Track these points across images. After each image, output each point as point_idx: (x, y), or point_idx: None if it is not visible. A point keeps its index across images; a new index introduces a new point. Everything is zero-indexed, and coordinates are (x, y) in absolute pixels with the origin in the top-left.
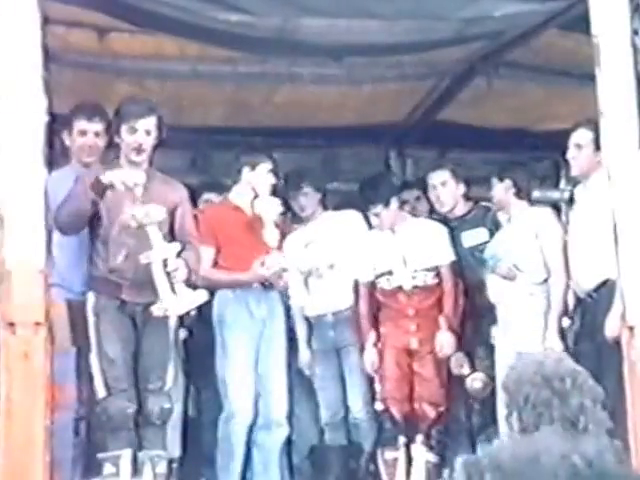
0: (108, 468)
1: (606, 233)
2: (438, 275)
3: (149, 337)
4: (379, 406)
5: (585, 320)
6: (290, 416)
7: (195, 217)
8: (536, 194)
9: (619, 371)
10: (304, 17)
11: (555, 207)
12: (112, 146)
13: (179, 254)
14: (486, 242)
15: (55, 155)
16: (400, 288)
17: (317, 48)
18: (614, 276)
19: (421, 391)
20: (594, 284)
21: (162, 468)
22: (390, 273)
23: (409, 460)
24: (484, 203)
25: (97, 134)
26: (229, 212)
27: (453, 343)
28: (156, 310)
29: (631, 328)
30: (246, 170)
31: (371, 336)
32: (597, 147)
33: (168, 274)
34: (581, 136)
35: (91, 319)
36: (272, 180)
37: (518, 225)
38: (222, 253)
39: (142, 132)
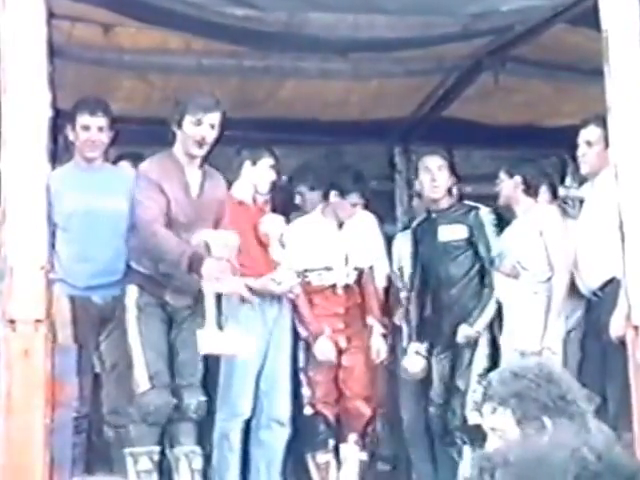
0: (143, 463)
1: (613, 231)
2: (360, 275)
3: (185, 334)
4: (308, 410)
5: (590, 319)
6: (295, 417)
7: None
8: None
9: (624, 371)
10: (311, 12)
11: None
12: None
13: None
14: (462, 239)
15: (59, 151)
16: (333, 286)
17: (323, 43)
18: (620, 275)
19: (353, 387)
20: (600, 283)
21: (198, 464)
22: (328, 269)
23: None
24: (467, 202)
25: (100, 129)
26: (235, 207)
27: (386, 347)
28: (199, 338)
29: (636, 327)
30: (247, 165)
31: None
32: (607, 144)
33: (219, 309)
34: (591, 133)
35: (133, 312)
36: (273, 177)
37: (523, 222)
38: None
39: (207, 125)
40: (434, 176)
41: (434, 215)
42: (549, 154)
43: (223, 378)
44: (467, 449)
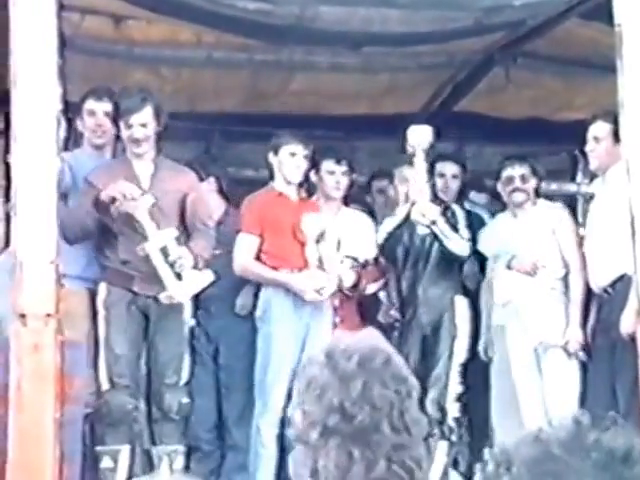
0: (106, 462)
1: (623, 227)
2: (362, 267)
3: (163, 331)
4: None
5: (600, 316)
6: None
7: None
8: (553, 187)
9: (634, 367)
10: (323, 5)
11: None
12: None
13: (187, 242)
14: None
15: (69, 144)
16: None
17: (335, 37)
18: (631, 271)
19: None
20: (610, 279)
21: (179, 463)
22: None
23: None
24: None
25: (107, 114)
26: (274, 199)
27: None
28: (164, 298)
29: None
30: (270, 155)
31: None
32: (616, 140)
33: (172, 264)
34: (599, 129)
35: (101, 312)
36: (299, 164)
37: (533, 221)
38: (267, 241)
39: (137, 126)
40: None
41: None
42: (560, 150)
43: (258, 372)
44: (443, 443)
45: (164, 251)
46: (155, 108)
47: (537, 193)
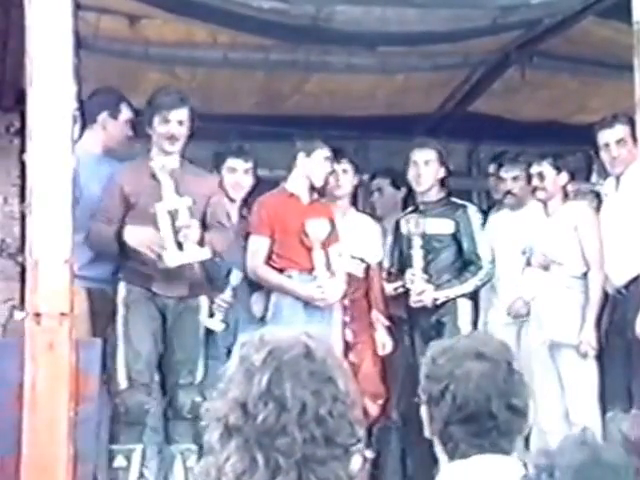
0: (119, 460)
1: (638, 228)
2: (366, 270)
3: (180, 332)
4: None
5: (614, 317)
6: None
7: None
8: (568, 187)
9: None
10: (338, 5)
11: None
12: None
13: (205, 229)
14: (448, 234)
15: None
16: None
17: (351, 37)
18: None
19: (360, 385)
20: (624, 280)
21: (192, 462)
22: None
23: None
24: (455, 199)
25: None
26: (285, 200)
27: (391, 341)
28: (159, 263)
29: None
30: (301, 156)
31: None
32: (634, 141)
33: (176, 230)
34: (615, 131)
35: (120, 310)
36: (328, 169)
37: (557, 219)
38: (277, 242)
39: (175, 123)
40: (420, 170)
41: (422, 207)
42: (575, 150)
43: None
44: None
45: (173, 215)
46: (190, 111)
47: (564, 192)
